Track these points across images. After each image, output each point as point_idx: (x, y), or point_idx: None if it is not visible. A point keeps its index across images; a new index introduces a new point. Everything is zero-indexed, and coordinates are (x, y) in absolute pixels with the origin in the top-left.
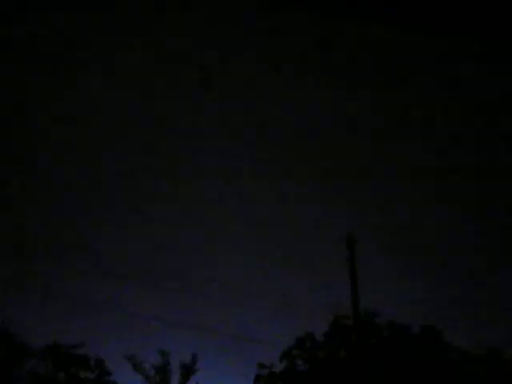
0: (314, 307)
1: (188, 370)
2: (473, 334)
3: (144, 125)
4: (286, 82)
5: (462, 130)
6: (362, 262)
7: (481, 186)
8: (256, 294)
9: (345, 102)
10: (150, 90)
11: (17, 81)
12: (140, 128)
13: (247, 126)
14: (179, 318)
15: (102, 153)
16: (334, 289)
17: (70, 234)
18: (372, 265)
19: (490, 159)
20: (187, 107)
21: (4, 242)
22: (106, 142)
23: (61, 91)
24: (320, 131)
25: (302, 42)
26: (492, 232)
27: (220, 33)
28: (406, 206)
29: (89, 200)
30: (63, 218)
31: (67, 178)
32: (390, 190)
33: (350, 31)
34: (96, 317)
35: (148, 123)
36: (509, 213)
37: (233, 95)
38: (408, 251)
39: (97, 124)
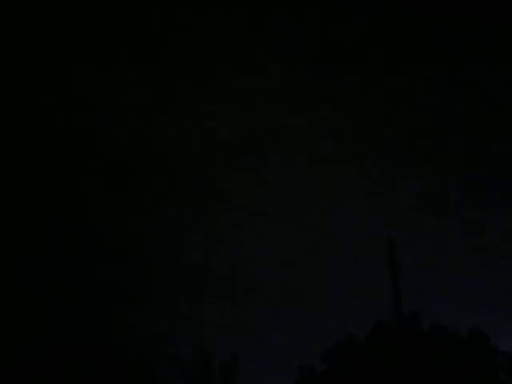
0: (354, 309)
1: (229, 371)
2: None
3: None
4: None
5: None
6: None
7: None
8: (295, 296)
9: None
10: None
11: None
12: None
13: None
14: (220, 318)
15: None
16: (375, 291)
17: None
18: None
19: None
20: None
21: None
22: None
23: None
24: None
25: None
26: None
27: None
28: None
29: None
30: None
31: None
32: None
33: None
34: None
35: None
36: None
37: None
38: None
39: None
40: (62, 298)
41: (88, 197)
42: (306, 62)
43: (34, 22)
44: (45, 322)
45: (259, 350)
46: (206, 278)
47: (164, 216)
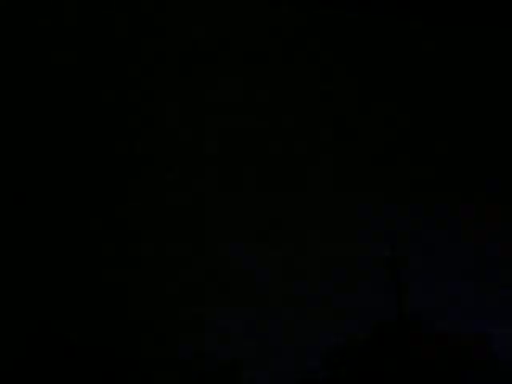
0: (354, 309)
1: (228, 373)
2: None
3: None
4: None
5: None
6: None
7: None
8: (295, 297)
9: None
10: None
11: None
12: None
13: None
14: (220, 319)
15: None
16: (375, 292)
17: None
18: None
19: None
20: None
21: None
22: None
23: None
24: None
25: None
26: None
27: None
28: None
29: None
30: None
31: None
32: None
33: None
34: None
35: None
36: None
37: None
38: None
39: None
40: (62, 297)
41: (88, 197)
42: (306, 62)
43: (34, 22)
44: (45, 321)
45: (259, 350)
46: (206, 278)
47: (164, 216)
